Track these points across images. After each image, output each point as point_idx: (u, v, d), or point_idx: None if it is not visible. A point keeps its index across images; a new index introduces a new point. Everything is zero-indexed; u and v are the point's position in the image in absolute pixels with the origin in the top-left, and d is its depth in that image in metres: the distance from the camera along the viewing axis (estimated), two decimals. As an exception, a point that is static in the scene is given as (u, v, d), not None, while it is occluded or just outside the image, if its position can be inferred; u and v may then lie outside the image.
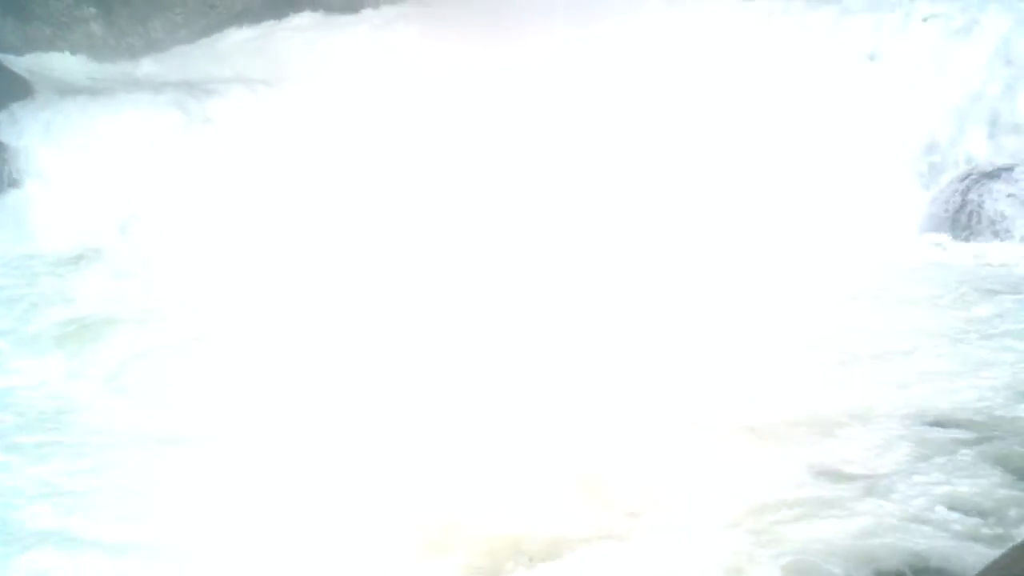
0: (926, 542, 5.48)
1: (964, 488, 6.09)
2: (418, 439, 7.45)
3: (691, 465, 6.78)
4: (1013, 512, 5.78)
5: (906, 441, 6.82)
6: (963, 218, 12.24)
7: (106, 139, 15.54)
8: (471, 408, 7.98)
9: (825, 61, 16.10)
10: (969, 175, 12.63)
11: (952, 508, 5.90)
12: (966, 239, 12.12)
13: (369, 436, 7.57)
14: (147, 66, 21.35)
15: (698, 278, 11.09)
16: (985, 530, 5.62)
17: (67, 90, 17.28)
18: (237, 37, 22.83)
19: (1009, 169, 12.34)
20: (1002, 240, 11.87)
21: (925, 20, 16.25)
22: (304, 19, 23.79)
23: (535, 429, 7.54)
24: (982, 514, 5.81)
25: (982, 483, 6.13)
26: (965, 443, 6.66)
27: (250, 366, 9.04)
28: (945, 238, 12.34)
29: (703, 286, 10.83)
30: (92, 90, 17.20)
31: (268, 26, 23.40)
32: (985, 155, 13.10)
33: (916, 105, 14.36)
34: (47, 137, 15.40)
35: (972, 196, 12.28)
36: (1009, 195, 12.13)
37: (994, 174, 12.40)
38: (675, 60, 17.36)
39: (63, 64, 20.44)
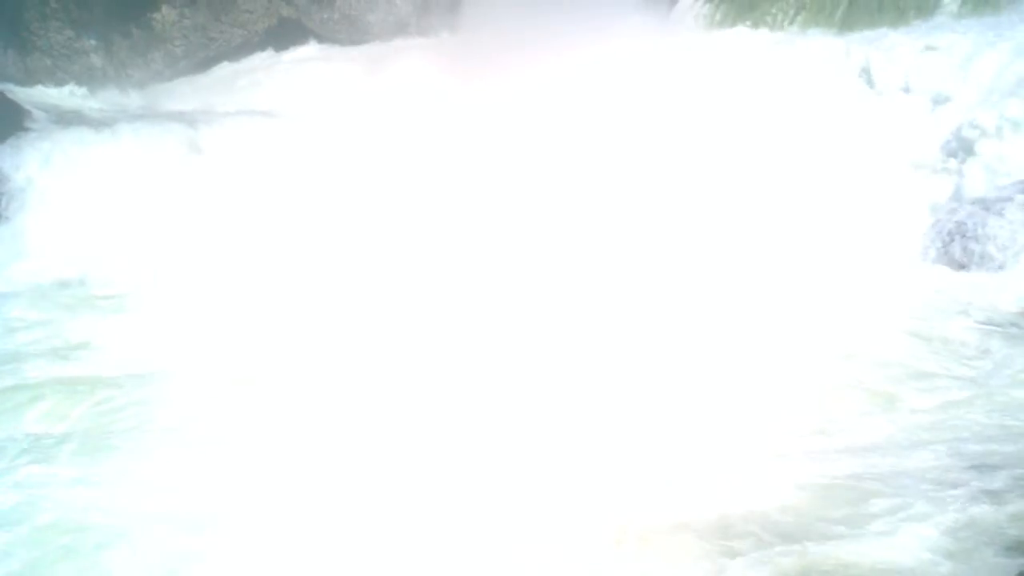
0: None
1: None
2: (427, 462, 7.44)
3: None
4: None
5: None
6: (958, 248, 12.27)
7: (105, 169, 15.62)
8: (467, 438, 7.95)
9: (824, 89, 16.32)
10: (965, 205, 12.69)
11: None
12: (961, 269, 12.14)
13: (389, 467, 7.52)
14: (147, 97, 21.52)
15: (693, 305, 11.08)
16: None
17: (67, 120, 17.40)
18: (237, 69, 23.03)
19: (1005, 200, 12.39)
20: (996, 271, 11.88)
21: (926, 50, 16.50)
22: (304, 51, 24.01)
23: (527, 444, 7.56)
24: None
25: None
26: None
27: (250, 392, 9.02)
28: (941, 268, 12.36)
29: (698, 313, 10.82)
30: (92, 121, 17.30)
31: (268, 58, 23.62)
32: (981, 185, 13.17)
33: (913, 133, 14.48)
34: (46, 167, 15.47)
35: (968, 226, 12.32)
36: (1004, 226, 12.15)
37: (989, 205, 12.45)
38: (676, 89, 17.55)
39: (63, 95, 20.58)
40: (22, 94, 19.23)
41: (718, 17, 26.30)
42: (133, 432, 8.28)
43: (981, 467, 6.77)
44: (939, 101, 15.00)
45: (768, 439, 7.61)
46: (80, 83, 21.66)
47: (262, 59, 23.67)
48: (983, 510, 6.17)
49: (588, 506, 6.73)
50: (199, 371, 9.57)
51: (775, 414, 8.12)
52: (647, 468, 7.13)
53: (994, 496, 6.30)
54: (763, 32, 23.57)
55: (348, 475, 7.36)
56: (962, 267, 12.19)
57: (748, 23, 24.73)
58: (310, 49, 24.40)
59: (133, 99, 21.41)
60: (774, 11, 24.48)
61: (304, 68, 22.28)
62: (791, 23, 23.31)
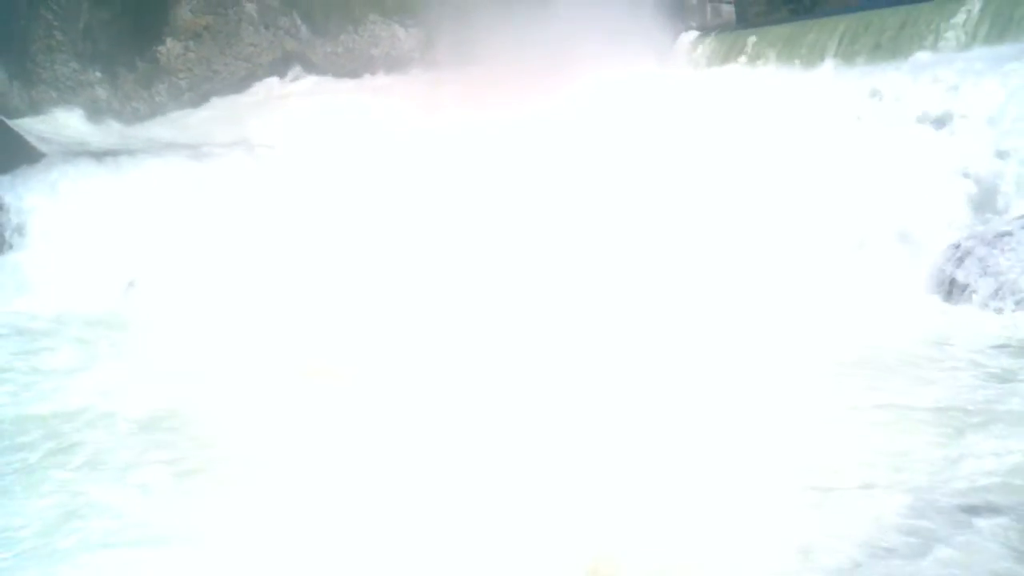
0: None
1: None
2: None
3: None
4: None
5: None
6: (959, 283, 12.28)
7: (110, 201, 15.67)
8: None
9: (822, 121, 16.46)
10: (966, 240, 12.71)
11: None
12: (964, 302, 12.14)
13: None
14: (151, 129, 21.63)
15: (692, 332, 11.08)
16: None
17: (71, 152, 17.47)
18: (241, 101, 23.17)
19: (1006, 235, 12.40)
20: (998, 307, 11.88)
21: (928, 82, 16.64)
22: (308, 84, 24.18)
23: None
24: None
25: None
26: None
27: (258, 426, 9.01)
28: (940, 303, 12.35)
29: (699, 340, 10.82)
30: (96, 152, 17.37)
31: (272, 91, 23.79)
32: (984, 218, 13.22)
33: (915, 166, 14.54)
34: (52, 198, 15.52)
35: (971, 260, 12.33)
36: (1007, 260, 12.16)
37: (991, 240, 12.46)
38: (675, 119, 17.71)
39: (68, 127, 20.68)
40: (27, 126, 19.32)
41: (720, 53, 26.61)
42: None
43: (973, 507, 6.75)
44: (942, 133, 15.09)
45: (765, 468, 7.57)
46: (85, 115, 21.76)
47: (266, 92, 23.84)
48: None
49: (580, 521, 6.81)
50: (204, 404, 9.56)
51: (774, 444, 8.10)
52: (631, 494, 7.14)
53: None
54: (762, 67, 23.84)
55: (357, 479, 7.55)
56: (965, 300, 12.19)
57: (745, 60, 25.04)
58: (314, 82, 24.58)
59: (137, 131, 21.52)
60: (772, 48, 24.75)
61: (308, 101, 22.42)
62: (791, 60, 23.54)
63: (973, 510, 6.64)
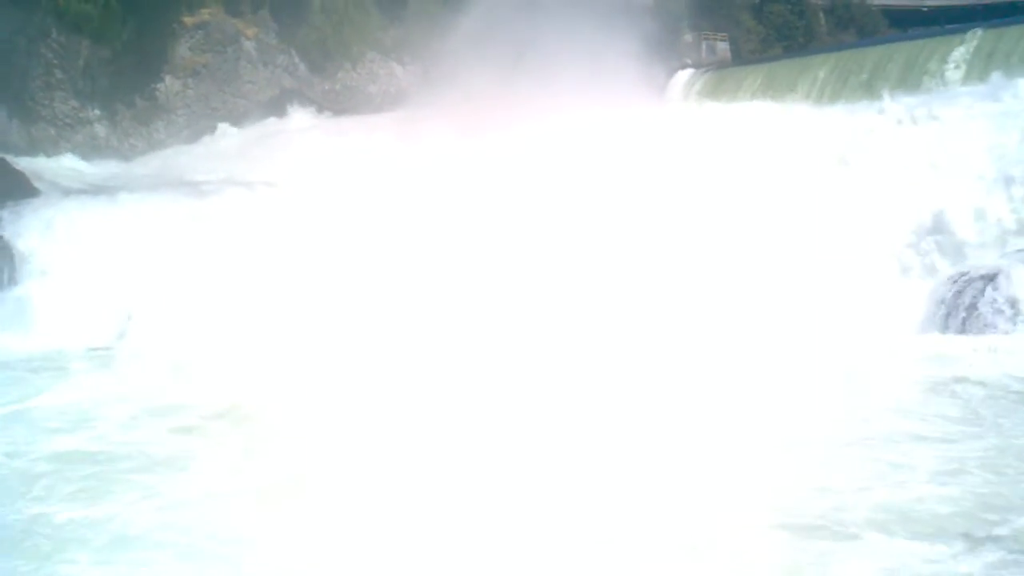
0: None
1: None
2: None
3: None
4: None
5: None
6: (956, 319, 12.34)
7: (107, 237, 15.66)
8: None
9: (810, 159, 16.62)
10: (961, 276, 12.77)
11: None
12: (958, 336, 12.19)
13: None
14: (149, 166, 21.72)
15: (689, 373, 11.09)
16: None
17: (70, 189, 17.52)
18: (239, 138, 23.31)
19: (1001, 271, 12.48)
20: (993, 338, 11.93)
21: (900, 123, 16.84)
22: (306, 121, 24.36)
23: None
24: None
25: None
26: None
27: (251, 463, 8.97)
28: (938, 337, 12.40)
29: (687, 388, 10.84)
30: (94, 189, 17.42)
31: (270, 127, 23.95)
32: (978, 255, 13.30)
33: (905, 205, 14.64)
34: (49, 235, 15.54)
35: (964, 298, 12.39)
36: (999, 298, 12.23)
37: (986, 276, 12.54)
38: (666, 154, 17.85)
39: (67, 164, 20.77)
40: (26, 163, 19.39)
41: (716, 90, 26.89)
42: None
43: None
44: (934, 167, 15.22)
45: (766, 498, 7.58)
46: (83, 152, 21.89)
47: (264, 128, 24.00)
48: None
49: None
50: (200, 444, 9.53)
51: (774, 474, 8.11)
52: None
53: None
54: (754, 105, 24.10)
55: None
56: (959, 334, 12.25)
57: (735, 100, 25.33)
58: (312, 118, 24.77)
59: (135, 167, 21.62)
60: (766, 86, 25.04)
61: (306, 137, 22.54)
62: (781, 98, 23.81)
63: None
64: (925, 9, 42.32)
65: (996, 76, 18.07)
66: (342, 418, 10.05)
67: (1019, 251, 13.06)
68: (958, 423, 9.39)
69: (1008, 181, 14.06)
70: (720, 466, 8.39)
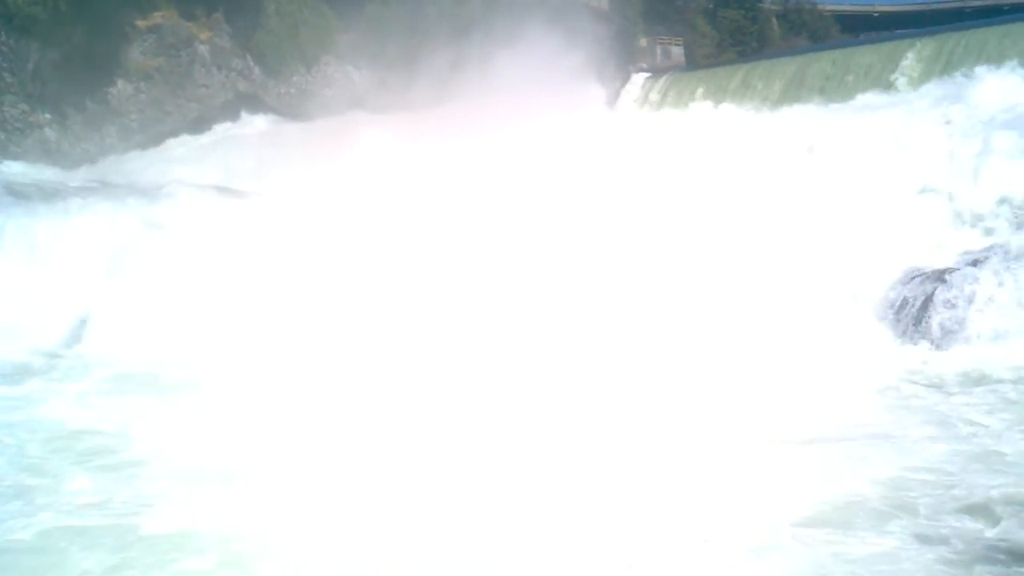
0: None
1: None
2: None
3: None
4: None
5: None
6: (906, 318, 12.51)
7: (58, 244, 15.42)
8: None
9: (768, 159, 16.83)
10: (913, 277, 12.96)
11: None
12: (908, 337, 12.36)
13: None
14: (101, 171, 21.43)
15: (648, 373, 11.18)
16: None
17: (20, 195, 17.21)
18: (193, 142, 23.10)
19: (953, 273, 12.68)
20: (943, 341, 12.11)
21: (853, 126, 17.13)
22: (261, 125, 24.20)
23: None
24: None
25: None
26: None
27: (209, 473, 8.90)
28: (888, 335, 12.57)
29: (657, 377, 10.93)
30: (45, 195, 17.15)
31: (224, 132, 23.76)
32: (931, 258, 13.51)
33: (855, 205, 14.84)
34: (-2, 241, 15.27)
35: (917, 298, 12.58)
36: (950, 298, 12.42)
37: (937, 276, 12.72)
38: (619, 157, 17.96)
39: (16, 169, 20.44)
40: (-27, 168, 19.08)
41: (668, 97, 27.13)
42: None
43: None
44: (885, 172, 15.46)
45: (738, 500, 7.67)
46: (34, 157, 21.56)
47: (218, 133, 23.79)
48: None
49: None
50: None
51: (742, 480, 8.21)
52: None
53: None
54: (704, 110, 24.36)
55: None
56: (911, 337, 12.43)
57: (689, 104, 25.59)
58: (267, 123, 24.61)
59: (88, 173, 21.34)
60: (713, 92, 25.32)
61: (261, 142, 22.39)
62: (735, 101, 24.07)
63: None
64: (875, 15, 42.99)
65: (946, 79, 18.50)
66: (298, 426, 10.00)
67: (966, 253, 13.28)
68: (909, 425, 9.55)
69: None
70: (663, 469, 8.49)
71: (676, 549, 6.92)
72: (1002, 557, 6.52)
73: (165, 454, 9.19)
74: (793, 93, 22.63)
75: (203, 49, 24.48)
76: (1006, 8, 33.46)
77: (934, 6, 41.33)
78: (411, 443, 9.27)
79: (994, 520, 7.09)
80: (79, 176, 21.01)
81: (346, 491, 8.13)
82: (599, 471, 8.45)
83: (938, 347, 12.03)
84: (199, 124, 24.06)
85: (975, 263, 12.78)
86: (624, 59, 30.18)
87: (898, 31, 32.69)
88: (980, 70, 18.05)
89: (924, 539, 6.85)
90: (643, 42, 32.08)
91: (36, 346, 13.37)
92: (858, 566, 6.54)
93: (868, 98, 20.02)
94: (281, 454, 9.14)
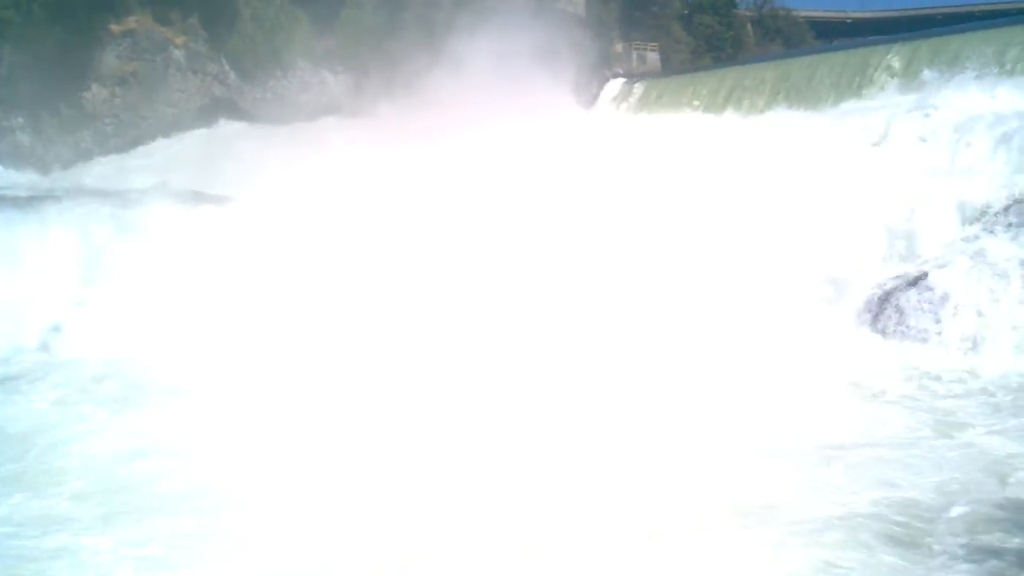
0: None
1: None
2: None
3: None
4: None
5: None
6: (884, 318, 12.65)
7: (30, 249, 15.29)
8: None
9: (744, 164, 16.94)
10: (888, 281, 13.11)
11: None
12: (887, 337, 12.50)
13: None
14: (75, 176, 21.29)
15: (619, 373, 11.24)
16: None
17: (-7, 198, 17.05)
18: (168, 147, 22.96)
19: (923, 277, 12.83)
20: (920, 342, 12.24)
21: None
22: (236, 130, 24.06)
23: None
24: None
25: None
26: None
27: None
28: (870, 336, 12.70)
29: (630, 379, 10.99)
30: (18, 200, 16.99)
31: (200, 137, 23.63)
32: (906, 259, 13.66)
33: (832, 210, 14.95)
34: (-30, 246, 15.11)
35: (893, 298, 12.73)
36: (923, 301, 12.57)
37: (911, 280, 12.89)
38: (595, 161, 18.04)
39: (-11, 173, 20.28)
40: (-55, 173, 18.90)
41: (644, 101, 27.24)
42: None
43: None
44: (861, 176, 15.59)
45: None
46: (7, 161, 21.38)
47: (194, 138, 23.66)
48: None
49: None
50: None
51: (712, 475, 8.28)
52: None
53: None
54: (679, 115, 24.50)
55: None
56: (888, 335, 12.57)
57: (665, 109, 25.73)
58: (242, 128, 24.48)
59: (62, 177, 21.19)
60: (689, 97, 25.46)
61: (237, 147, 22.27)
62: (712, 106, 24.22)
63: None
64: (849, 21, 43.39)
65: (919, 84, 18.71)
66: (275, 426, 9.98)
67: (937, 257, 13.43)
68: (879, 427, 9.65)
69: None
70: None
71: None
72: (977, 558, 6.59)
73: (139, 461, 9.15)
74: (771, 97, 22.79)
75: (178, 54, 24.36)
76: (976, 15, 33.87)
77: (906, 12, 41.80)
78: (387, 446, 9.26)
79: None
80: (53, 180, 20.84)
81: (336, 494, 8.12)
82: (570, 471, 8.52)
83: (907, 345, 12.18)
84: (174, 129, 23.93)
85: (946, 266, 12.94)
86: (600, 64, 30.31)
87: (872, 37, 33.00)
88: (951, 75, 18.27)
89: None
90: (619, 47, 32.24)
91: (5, 354, 13.27)
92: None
93: (842, 103, 20.18)
94: (258, 459, 9.10)
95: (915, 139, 15.97)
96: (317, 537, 7.31)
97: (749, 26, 38.82)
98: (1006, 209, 13.52)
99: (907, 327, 12.51)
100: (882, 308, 12.93)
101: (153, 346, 13.13)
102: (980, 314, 12.15)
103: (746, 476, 8.31)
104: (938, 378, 11.19)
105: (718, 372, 11.41)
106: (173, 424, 10.19)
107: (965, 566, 6.43)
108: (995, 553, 6.54)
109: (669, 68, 32.29)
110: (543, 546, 6.99)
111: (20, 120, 21.81)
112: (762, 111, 22.48)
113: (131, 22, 23.73)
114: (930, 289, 12.74)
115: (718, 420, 9.89)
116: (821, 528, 7.10)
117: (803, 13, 41.57)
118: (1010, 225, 13.19)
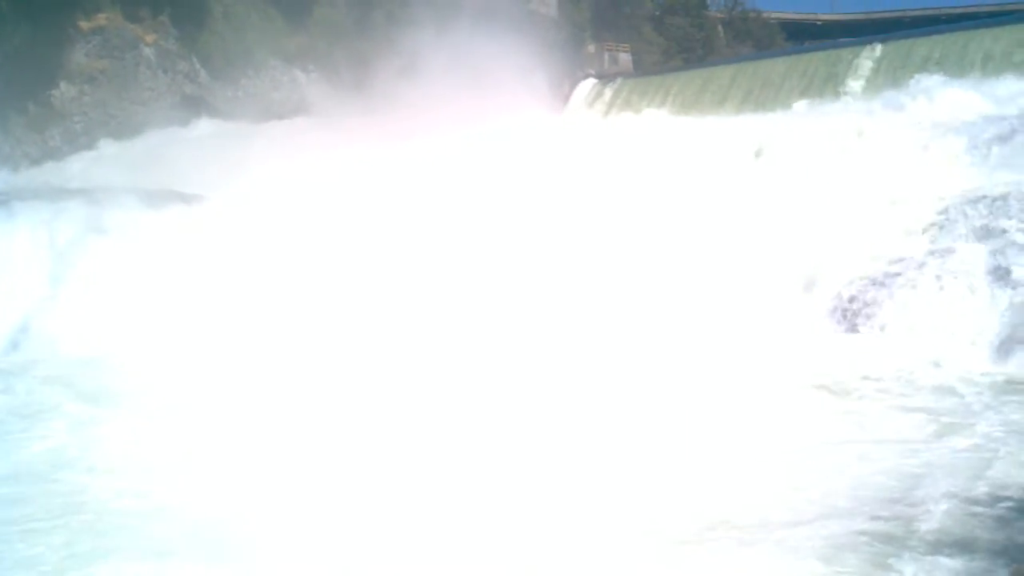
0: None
1: None
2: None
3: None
4: None
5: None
6: (851, 317, 12.77)
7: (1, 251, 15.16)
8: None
9: (716, 164, 17.03)
10: (858, 279, 13.22)
11: None
12: (854, 332, 12.63)
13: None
14: (44, 175, 21.07)
15: (587, 374, 11.28)
16: None
17: (-41, 198, 16.85)
18: (138, 146, 22.76)
19: (893, 275, 12.95)
20: (891, 340, 12.37)
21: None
22: (208, 128, 23.91)
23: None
24: None
25: None
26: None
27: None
28: (834, 334, 12.82)
29: (598, 379, 11.03)
30: (-14, 198, 16.82)
31: (171, 135, 23.44)
32: (872, 259, 13.77)
33: (804, 211, 15.06)
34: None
35: (860, 296, 12.85)
36: (893, 299, 12.70)
37: (882, 279, 13.00)
38: (565, 161, 18.11)
39: (-45, 172, 20.06)
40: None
41: (616, 102, 27.34)
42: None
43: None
44: (834, 177, 15.70)
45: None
46: (-27, 160, 21.18)
47: (164, 136, 23.48)
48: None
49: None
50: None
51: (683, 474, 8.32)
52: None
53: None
54: (651, 116, 24.60)
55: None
56: (859, 333, 12.69)
57: (637, 110, 25.83)
58: (214, 126, 24.32)
59: (30, 177, 20.97)
60: (661, 97, 25.58)
61: (207, 145, 22.13)
62: (682, 106, 24.35)
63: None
64: (819, 23, 43.73)
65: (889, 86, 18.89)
66: (243, 423, 9.92)
67: (911, 256, 13.56)
68: (852, 425, 9.73)
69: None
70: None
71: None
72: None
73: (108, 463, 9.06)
74: (741, 98, 22.92)
75: (148, 51, 24.17)
76: (943, 18, 34.23)
77: (876, 15, 42.18)
78: (360, 449, 9.19)
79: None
80: (21, 179, 20.64)
81: (328, 498, 8.02)
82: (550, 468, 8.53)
83: (878, 343, 12.31)
84: (144, 127, 23.74)
85: (920, 266, 13.07)
86: (572, 65, 30.39)
87: (842, 39, 33.28)
88: (922, 78, 18.46)
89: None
90: (591, 48, 32.35)
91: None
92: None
93: (813, 104, 20.34)
94: (229, 463, 9.02)
95: (885, 139, 16.08)
96: (306, 544, 7.24)
97: (720, 28, 39.04)
98: (975, 208, 13.66)
99: (878, 325, 12.63)
100: (853, 306, 13.04)
101: (123, 345, 13.04)
102: (949, 312, 12.27)
103: (716, 478, 8.34)
104: (910, 375, 11.28)
105: (686, 372, 11.47)
106: (141, 427, 10.11)
107: (945, 562, 6.47)
108: (973, 548, 6.59)
109: (641, 69, 32.41)
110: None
111: (-13, 118, 21.59)
112: (734, 112, 22.62)
113: (101, 19, 23.54)
114: (900, 287, 12.86)
115: (688, 421, 9.93)
116: (794, 527, 7.13)
117: (774, 15, 41.86)
118: (978, 224, 13.34)
